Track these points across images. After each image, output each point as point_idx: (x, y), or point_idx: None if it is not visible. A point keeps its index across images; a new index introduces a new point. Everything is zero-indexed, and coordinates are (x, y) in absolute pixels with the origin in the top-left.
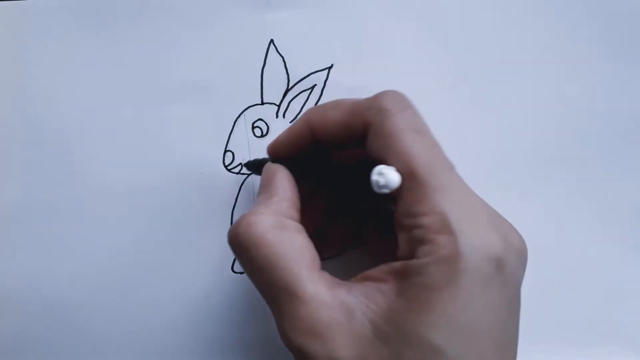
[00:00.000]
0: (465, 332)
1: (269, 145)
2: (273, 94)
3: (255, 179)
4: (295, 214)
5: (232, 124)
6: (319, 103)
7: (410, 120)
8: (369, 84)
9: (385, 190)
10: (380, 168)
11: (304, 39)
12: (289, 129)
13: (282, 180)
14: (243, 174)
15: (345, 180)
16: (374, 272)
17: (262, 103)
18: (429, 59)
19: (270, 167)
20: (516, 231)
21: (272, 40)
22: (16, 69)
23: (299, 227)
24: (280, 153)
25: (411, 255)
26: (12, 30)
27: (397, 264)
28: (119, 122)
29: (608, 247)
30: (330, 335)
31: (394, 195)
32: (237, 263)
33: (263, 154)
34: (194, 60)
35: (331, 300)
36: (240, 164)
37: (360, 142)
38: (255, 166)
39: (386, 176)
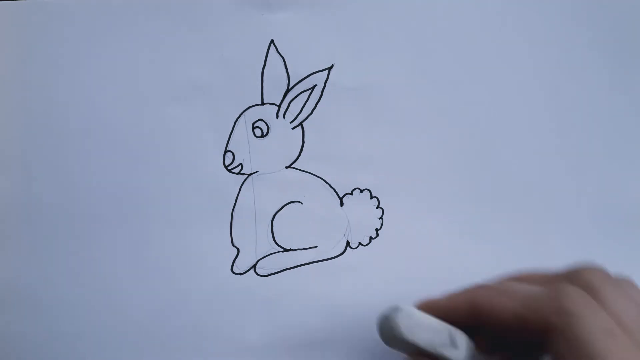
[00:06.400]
0: None
1: (423, 303)
2: (273, 94)
3: (256, 179)
4: None
5: (232, 124)
6: (319, 104)
7: (599, 321)
8: (369, 84)
9: None
10: None
11: (304, 40)
12: (449, 299)
13: None
14: (243, 174)
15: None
16: None
17: (263, 103)
18: (430, 59)
19: None
20: None
21: (272, 41)
22: (16, 68)
23: None
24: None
25: None
26: (12, 30)
27: None
28: (118, 121)
29: (607, 246)
30: None
31: None
32: (236, 264)
33: (263, 155)
34: (194, 61)
35: None
36: (241, 164)
37: (535, 337)
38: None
39: None
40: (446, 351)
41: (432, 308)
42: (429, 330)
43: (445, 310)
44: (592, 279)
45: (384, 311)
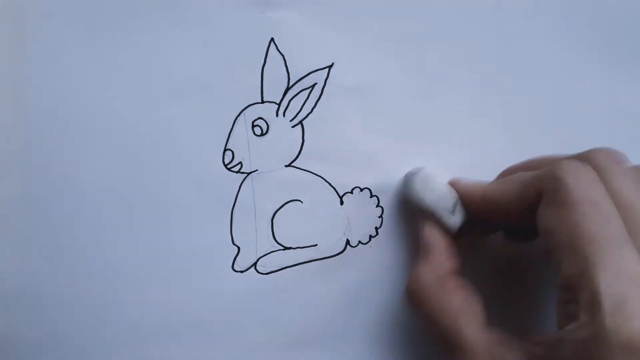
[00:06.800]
0: None
1: (450, 179)
2: (273, 92)
3: (255, 178)
4: (455, 265)
5: (232, 122)
6: (319, 103)
7: (585, 190)
8: (369, 83)
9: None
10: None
11: (304, 38)
12: (469, 186)
13: (436, 236)
14: (242, 172)
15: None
16: (541, 337)
17: (262, 102)
18: (430, 59)
19: (425, 225)
20: None
21: (272, 39)
22: (15, 68)
23: (459, 281)
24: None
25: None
26: (12, 30)
27: (551, 334)
28: (117, 120)
29: None
30: None
31: (558, 264)
32: (237, 262)
33: (262, 153)
34: (193, 59)
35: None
36: (240, 163)
37: (532, 214)
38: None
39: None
40: (444, 214)
41: (454, 184)
42: (437, 194)
43: (463, 192)
44: (599, 158)
45: (410, 170)
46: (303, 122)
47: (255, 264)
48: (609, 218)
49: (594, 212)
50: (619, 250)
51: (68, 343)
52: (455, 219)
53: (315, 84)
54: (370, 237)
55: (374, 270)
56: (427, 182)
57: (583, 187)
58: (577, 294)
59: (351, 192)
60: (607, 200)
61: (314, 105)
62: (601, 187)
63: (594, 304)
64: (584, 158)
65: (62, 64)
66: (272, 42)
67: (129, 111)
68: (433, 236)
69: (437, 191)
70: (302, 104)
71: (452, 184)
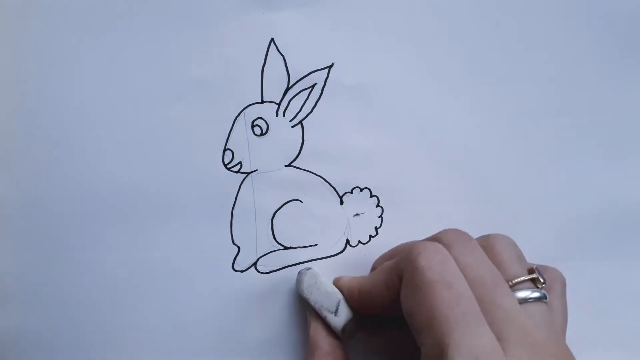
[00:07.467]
0: None
1: (336, 277)
2: (273, 92)
3: (255, 178)
4: None
5: (232, 122)
6: (319, 103)
7: (437, 271)
8: (369, 83)
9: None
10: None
11: (304, 38)
12: (349, 282)
13: (320, 337)
14: (242, 172)
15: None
16: None
17: (262, 101)
18: (430, 58)
19: (311, 325)
20: None
21: (272, 39)
22: (15, 68)
23: None
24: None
25: None
26: (12, 30)
27: None
28: (118, 120)
29: (606, 248)
30: None
31: (421, 345)
32: (237, 262)
33: (262, 153)
34: (194, 59)
35: None
36: (240, 162)
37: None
38: None
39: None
40: (327, 315)
41: (336, 282)
42: (322, 294)
43: (344, 290)
44: (449, 237)
45: (301, 269)
46: (303, 122)
47: (255, 264)
48: (461, 296)
49: (447, 292)
50: (472, 328)
51: (68, 343)
52: (338, 319)
53: (315, 84)
54: (370, 237)
55: None
56: (312, 283)
57: (435, 267)
58: None
59: (351, 192)
60: (459, 277)
61: (314, 105)
62: (453, 265)
63: None
64: (436, 239)
65: (62, 64)
66: (272, 42)
67: (129, 111)
68: (316, 336)
69: (322, 291)
70: (302, 104)
71: (336, 282)
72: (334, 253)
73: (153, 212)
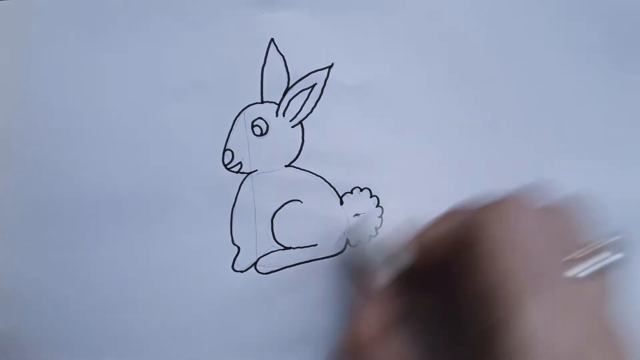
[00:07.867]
0: None
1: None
2: (273, 92)
3: (255, 178)
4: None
5: (232, 122)
6: (319, 103)
7: (505, 235)
8: (369, 83)
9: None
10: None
11: (304, 38)
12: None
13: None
14: (242, 172)
15: None
16: None
17: (262, 102)
18: (430, 58)
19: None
20: None
21: (272, 39)
22: (15, 68)
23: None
24: None
25: None
26: (11, 30)
27: None
28: (117, 120)
29: None
30: None
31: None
32: (237, 262)
33: (262, 153)
34: (193, 59)
35: None
36: (240, 163)
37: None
38: None
39: None
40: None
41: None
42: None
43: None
44: (513, 202)
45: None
46: (303, 122)
47: (255, 264)
48: (534, 263)
49: (522, 257)
50: (542, 296)
51: (68, 342)
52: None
53: (315, 84)
54: (370, 237)
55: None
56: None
57: (504, 231)
58: (494, 346)
59: (351, 192)
60: (537, 240)
61: (314, 105)
62: (520, 229)
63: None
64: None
65: (62, 64)
66: (272, 42)
67: (129, 111)
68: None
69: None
70: (302, 104)
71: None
72: (334, 253)
73: (153, 212)
